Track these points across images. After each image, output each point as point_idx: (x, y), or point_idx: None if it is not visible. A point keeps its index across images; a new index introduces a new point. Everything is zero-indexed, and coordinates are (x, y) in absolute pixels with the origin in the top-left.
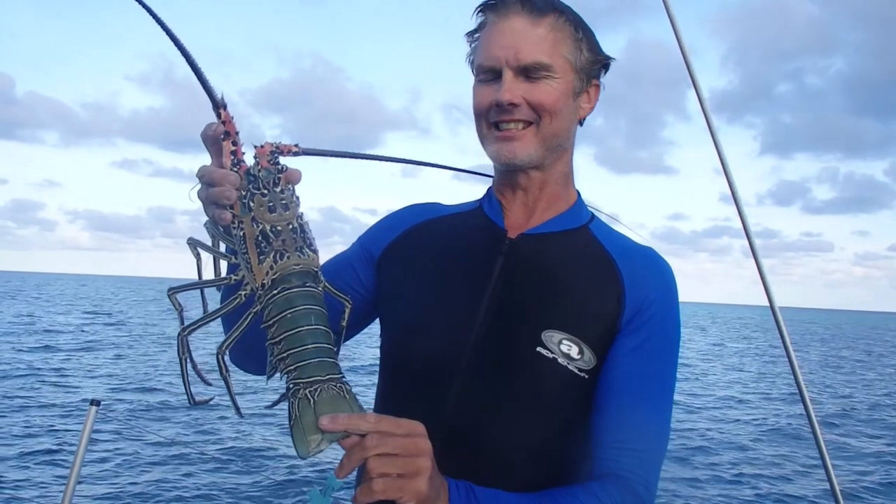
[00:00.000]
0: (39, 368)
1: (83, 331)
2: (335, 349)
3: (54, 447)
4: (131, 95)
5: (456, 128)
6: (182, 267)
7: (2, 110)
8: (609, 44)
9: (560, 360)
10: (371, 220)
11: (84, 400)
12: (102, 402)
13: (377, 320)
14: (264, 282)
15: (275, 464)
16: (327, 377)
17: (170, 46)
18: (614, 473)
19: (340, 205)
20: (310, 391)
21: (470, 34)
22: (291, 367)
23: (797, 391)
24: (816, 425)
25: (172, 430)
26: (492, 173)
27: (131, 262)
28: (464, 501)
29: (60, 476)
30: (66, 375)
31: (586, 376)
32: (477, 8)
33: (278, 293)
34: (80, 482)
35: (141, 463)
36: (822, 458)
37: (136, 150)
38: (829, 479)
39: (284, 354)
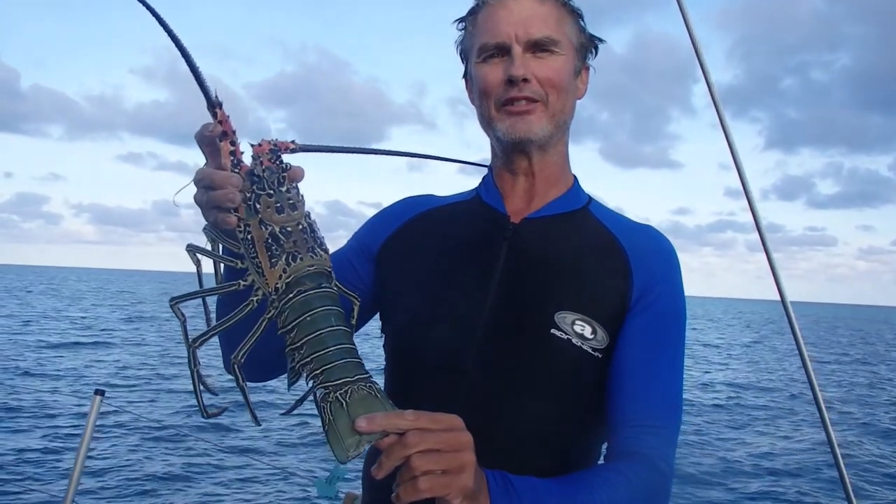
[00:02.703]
0: (51, 362)
1: (93, 322)
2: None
3: (62, 437)
4: (136, 89)
5: (462, 121)
6: (188, 261)
7: (7, 104)
8: (614, 38)
9: (574, 340)
10: None
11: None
12: (111, 393)
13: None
14: (278, 286)
15: (286, 457)
16: (356, 378)
17: (171, 42)
18: (635, 451)
19: (345, 199)
20: (340, 393)
21: (460, 19)
22: (317, 371)
23: (808, 384)
24: (827, 417)
25: (180, 422)
26: (487, 164)
27: (136, 256)
28: (502, 492)
29: (65, 467)
30: (79, 367)
31: (600, 356)
32: None
33: (294, 296)
34: (84, 475)
35: (147, 454)
36: (832, 449)
37: (141, 144)
38: (839, 469)
39: (308, 359)
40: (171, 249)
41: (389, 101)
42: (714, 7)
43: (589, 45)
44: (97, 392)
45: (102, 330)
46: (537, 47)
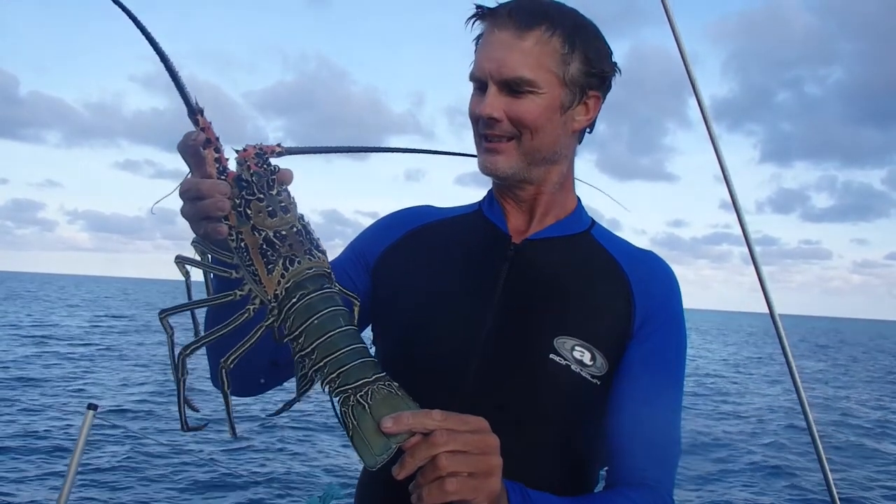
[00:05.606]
0: (43, 373)
1: (90, 333)
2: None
3: (55, 451)
4: (135, 96)
5: (460, 131)
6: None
7: (4, 110)
8: (612, 51)
9: (573, 366)
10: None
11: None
12: (106, 408)
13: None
14: (277, 292)
15: (281, 467)
16: (373, 377)
17: (172, 46)
18: (637, 483)
19: (342, 207)
20: (361, 395)
21: (476, 40)
22: (332, 375)
23: (797, 398)
24: (816, 432)
25: (176, 438)
26: (473, 154)
27: (131, 264)
28: (520, 502)
29: (55, 484)
30: (76, 379)
31: (598, 382)
32: (470, 17)
33: (297, 301)
34: (75, 489)
35: (140, 470)
36: (822, 466)
37: (139, 152)
38: (829, 488)
39: (321, 363)
40: (168, 258)
41: (388, 111)
42: (710, 21)
43: (587, 75)
44: (90, 406)
45: (98, 340)
46: (511, 86)
